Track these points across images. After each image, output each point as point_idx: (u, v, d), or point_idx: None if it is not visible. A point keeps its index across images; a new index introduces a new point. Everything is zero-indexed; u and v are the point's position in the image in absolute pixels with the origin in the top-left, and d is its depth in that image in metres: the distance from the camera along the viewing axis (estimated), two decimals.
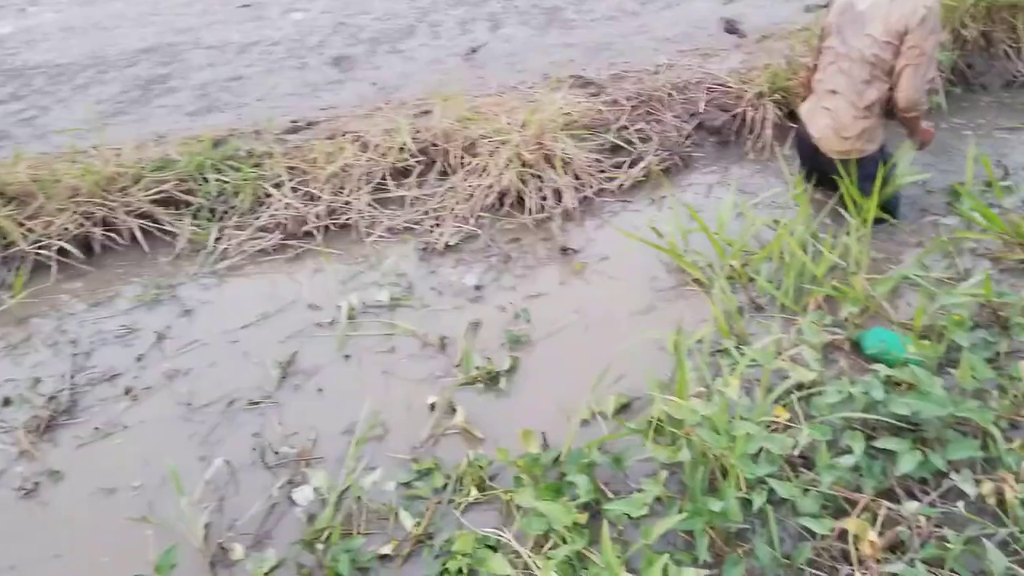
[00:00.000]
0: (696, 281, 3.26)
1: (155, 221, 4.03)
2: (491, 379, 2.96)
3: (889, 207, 3.41)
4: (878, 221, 3.30)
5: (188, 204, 4.11)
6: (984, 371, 2.41)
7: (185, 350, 3.29)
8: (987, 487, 2.19)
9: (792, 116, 4.35)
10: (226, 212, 4.07)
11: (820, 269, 3.03)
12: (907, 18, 3.14)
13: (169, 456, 2.62)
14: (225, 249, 3.88)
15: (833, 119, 3.40)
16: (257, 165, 4.20)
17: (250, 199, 4.05)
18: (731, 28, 5.54)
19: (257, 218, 4.00)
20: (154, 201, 4.06)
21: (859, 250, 3.11)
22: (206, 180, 4.12)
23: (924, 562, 2.01)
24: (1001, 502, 2.17)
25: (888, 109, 3.42)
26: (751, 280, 3.20)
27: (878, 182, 3.17)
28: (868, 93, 3.30)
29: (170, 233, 4.01)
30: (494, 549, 2.24)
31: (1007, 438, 2.30)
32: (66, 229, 3.90)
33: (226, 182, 4.11)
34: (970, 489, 2.19)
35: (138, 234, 3.96)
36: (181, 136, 4.72)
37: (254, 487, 2.62)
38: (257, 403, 2.98)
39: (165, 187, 4.08)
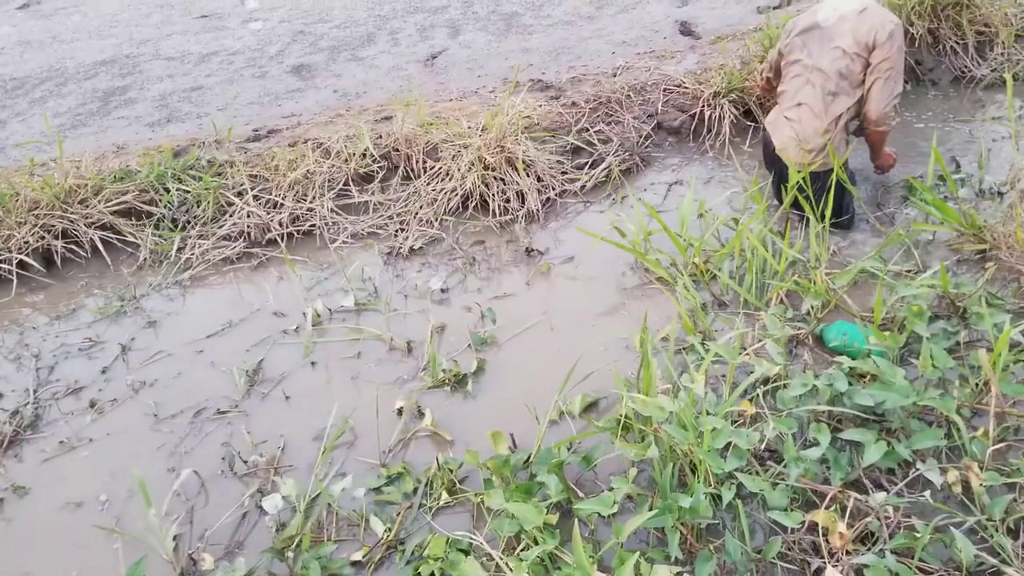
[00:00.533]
0: (660, 279, 3.28)
1: (117, 232, 3.98)
2: (458, 381, 2.96)
3: (843, 216, 3.46)
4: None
5: (150, 215, 4.06)
6: (945, 360, 2.45)
7: (150, 361, 3.25)
8: (952, 475, 2.22)
9: (748, 114, 4.42)
10: (188, 222, 4.02)
11: (781, 265, 3.07)
12: (876, 31, 3.19)
13: (136, 468, 2.58)
14: (188, 259, 3.84)
15: (796, 131, 3.41)
16: (219, 174, 4.16)
17: (212, 208, 4.01)
18: (686, 30, 5.60)
19: (220, 227, 3.96)
20: (115, 212, 4.01)
21: (818, 246, 3.15)
22: (167, 190, 4.08)
23: (894, 552, 2.04)
24: (967, 490, 2.21)
25: (859, 126, 3.46)
26: (714, 277, 3.23)
27: (831, 195, 3.19)
28: (834, 107, 3.32)
29: (132, 244, 3.96)
30: (466, 552, 2.23)
31: (970, 426, 2.34)
32: (26, 242, 3.84)
33: (188, 192, 4.07)
34: (936, 478, 2.22)
35: (100, 246, 3.91)
36: (141, 147, 4.67)
37: (224, 497, 2.59)
38: (225, 412, 2.95)
39: (126, 198, 4.03)
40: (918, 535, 2.04)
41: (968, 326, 2.79)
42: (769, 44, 4.51)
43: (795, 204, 3.38)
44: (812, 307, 2.96)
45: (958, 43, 4.67)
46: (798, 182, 3.22)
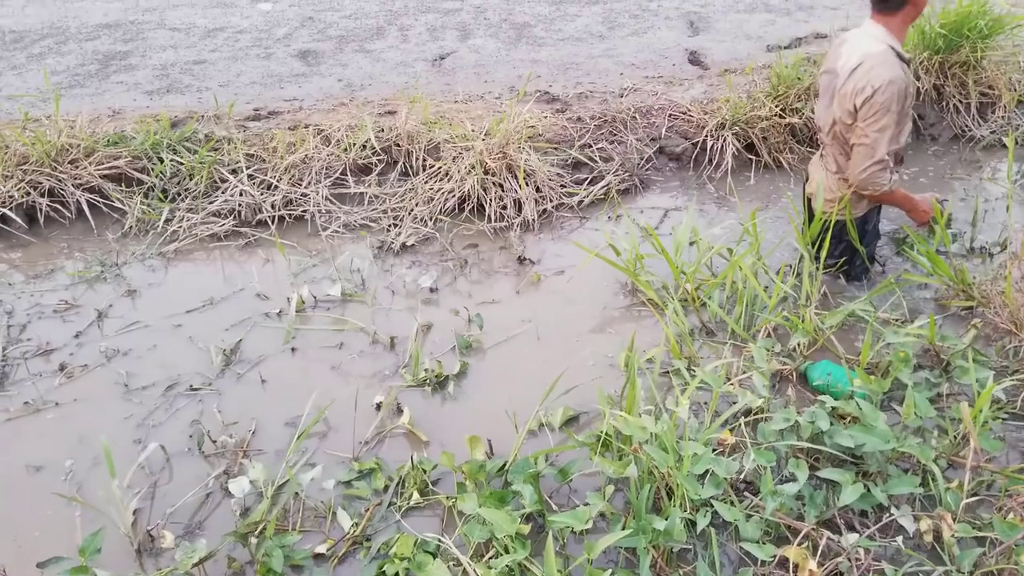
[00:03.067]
0: (650, 302, 3.27)
1: (104, 197, 3.92)
2: (440, 383, 2.93)
3: (853, 266, 3.41)
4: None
5: (140, 183, 4.01)
6: (927, 409, 2.45)
7: (126, 330, 3.19)
8: (925, 524, 2.22)
9: (750, 148, 4.44)
10: (179, 194, 3.97)
11: (773, 299, 3.07)
12: (856, 96, 2.96)
13: (102, 437, 2.52)
14: (175, 231, 3.79)
15: (823, 178, 3.32)
16: (215, 149, 4.12)
17: (205, 183, 3.96)
18: (694, 60, 5.63)
19: (211, 202, 3.91)
20: (105, 176, 3.95)
21: (811, 284, 3.16)
22: (161, 160, 4.02)
23: None
24: (937, 539, 2.21)
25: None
26: (703, 304, 3.22)
27: (827, 240, 3.19)
28: (847, 167, 3.17)
29: (119, 210, 3.91)
30: (433, 555, 2.20)
31: (946, 478, 2.34)
32: (10, 196, 3.77)
33: (181, 163, 4.02)
34: (909, 525, 2.22)
35: (86, 208, 3.85)
36: (138, 114, 4.61)
37: (189, 475, 2.54)
38: (197, 389, 2.89)
39: (118, 163, 3.98)
40: None
41: (950, 379, 2.80)
42: (777, 82, 4.55)
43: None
44: (799, 344, 2.96)
45: (961, 102, 4.73)
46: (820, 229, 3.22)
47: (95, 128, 4.26)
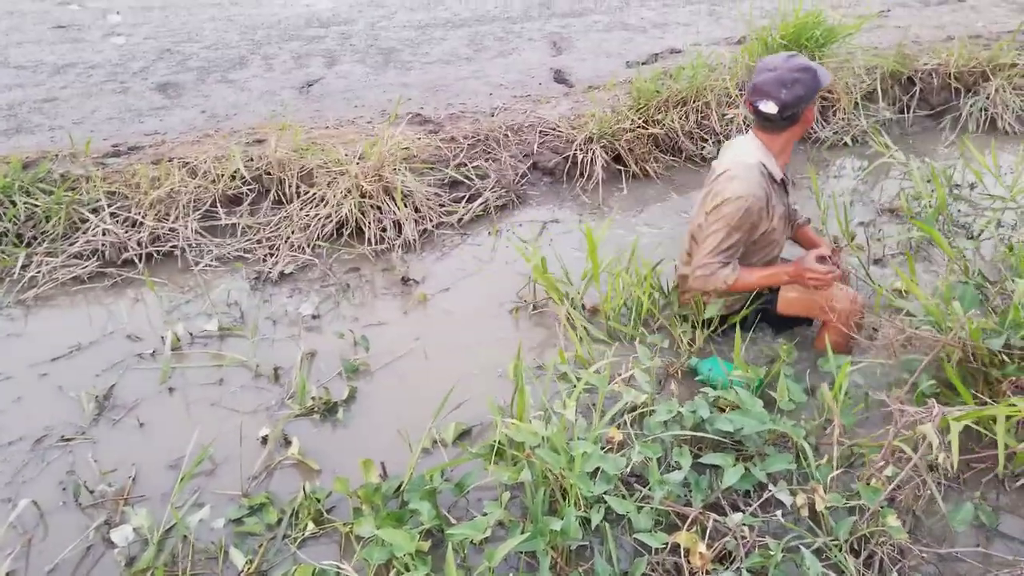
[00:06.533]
0: (548, 300, 3.33)
1: None
2: (328, 409, 2.88)
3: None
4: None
5: None
6: (798, 394, 2.63)
7: None
8: (800, 498, 2.36)
9: (618, 159, 4.60)
10: (35, 238, 3.76)
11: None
12: (712, 200, 2.86)
13: None
14: (34, 277, 3.58)
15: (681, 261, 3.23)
16: (72, 189, 3.93)
17: (64, 224, 3.77)
18: (560, 78, 5.79)
19: (71, 244, 3.73)
20: None
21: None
22: (13, 203, 3.80)
23: (749, 571, 2.12)
24: (812, 512, 2.34)
25: None
26: (595, 312, 3.31)
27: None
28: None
29: None
30: None
31: (818, 455, 2.49)
32: None
33: (36, 206, 3.81)
34: (786, 499, 2.35)
35: None
36: None
37: (67, 530, 2.40)
38: (70, 440, 2.74)
39: None
40: (772, 554, 2.14)
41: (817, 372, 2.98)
42: (638, 96, 4.73)
43: None
44: (685, 341, 3.08)
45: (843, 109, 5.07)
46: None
47: None
